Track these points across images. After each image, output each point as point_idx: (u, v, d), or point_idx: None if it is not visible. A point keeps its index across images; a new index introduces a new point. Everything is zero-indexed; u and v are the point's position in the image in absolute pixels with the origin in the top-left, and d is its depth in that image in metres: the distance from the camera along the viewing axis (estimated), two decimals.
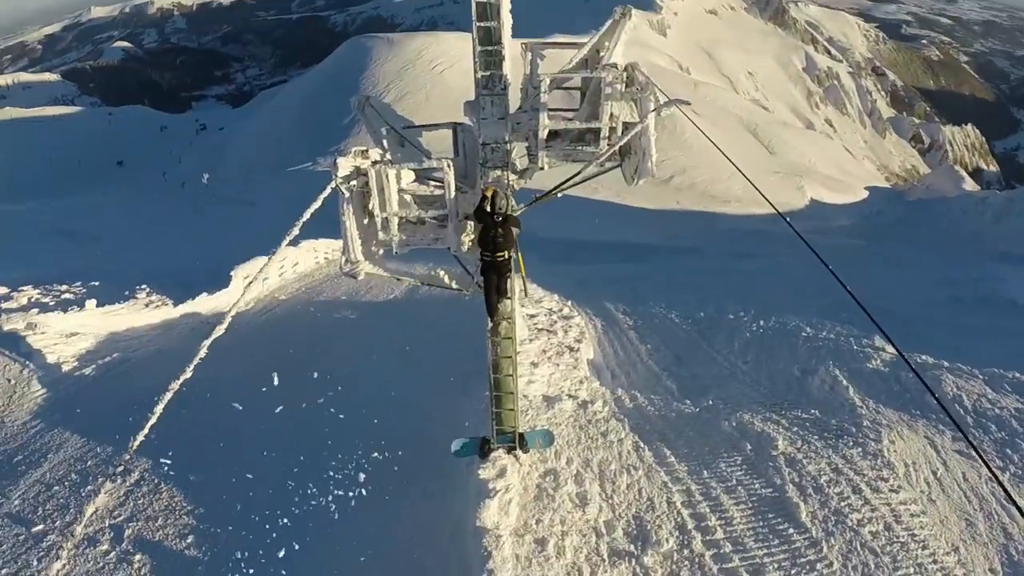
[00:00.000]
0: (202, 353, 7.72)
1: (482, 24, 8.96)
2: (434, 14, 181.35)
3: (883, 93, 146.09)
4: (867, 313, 5.90)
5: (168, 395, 7.44)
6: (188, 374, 7.60)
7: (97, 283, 20.21)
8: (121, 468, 11.49)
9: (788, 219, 7.57)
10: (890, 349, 16.56)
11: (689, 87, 75.57)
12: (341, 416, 12.89)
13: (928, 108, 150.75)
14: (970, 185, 70.90)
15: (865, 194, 54.40)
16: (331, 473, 11.65)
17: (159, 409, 7.39)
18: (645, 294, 20.91)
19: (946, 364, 15.53)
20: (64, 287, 19.70)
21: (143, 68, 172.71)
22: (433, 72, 64.11)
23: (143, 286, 19.88)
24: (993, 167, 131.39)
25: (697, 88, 77.45)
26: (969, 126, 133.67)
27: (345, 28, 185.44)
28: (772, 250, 28.27)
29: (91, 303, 18.09)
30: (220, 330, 7.90)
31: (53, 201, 42.56)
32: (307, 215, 8.18)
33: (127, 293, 19.37)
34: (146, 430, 7.36)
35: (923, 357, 15.95)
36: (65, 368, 16.06)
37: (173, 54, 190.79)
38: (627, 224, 35.22)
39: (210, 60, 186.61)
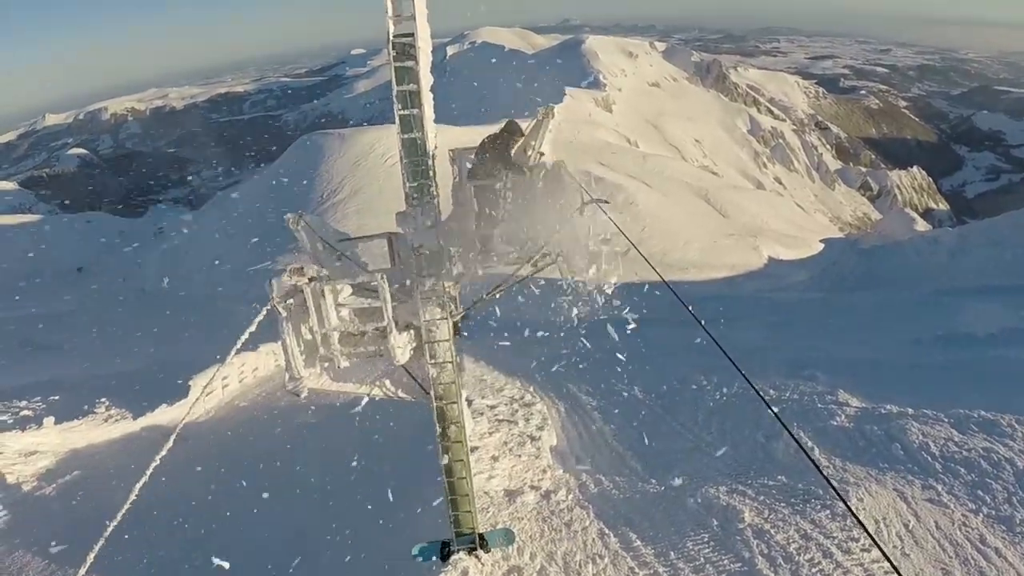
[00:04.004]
0: (147, 475, 7.38)
1: (407, 136, 8.97)
2: (384, 107, 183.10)
3: (828, 146, 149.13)
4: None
5: (113, 523, 7.09)
6: (133, 495, 7.24)
7: (57, 397, 19.71)
8: None
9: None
10: (854, 403, 16.50)
11: (638, 160, 76.61)
12: (305, 530, 12.61)
13: (873, 156, 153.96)
14: (922, 226, 72.04)
15: (820, 247, 54.97)
16: None
17: (108, 531, 7.02)
18: (607, 372, 20.72)
19: (911, 411, 15.42)
20: (23, 403, 19.17)
21: (99, 174, 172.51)
22: (385, 165, 64.39)
23: (103, 399, 19.40)
24: (943, 206, 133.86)
25: (646, 160, 78.54)
26: (915, 168, 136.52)
27: (297, 126, 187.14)
28: (731, 313, 28.27)
29: (49, 420, 17.64)
30: (164, 450, 7.57)
31: (12, 311, 41.80)
32: (243, 338, 8.04)
33: (86, 408, 18.89)
34: (91, 558, 6.98)
35: (887, 407, 15.86)
36: (25, 488, 15.60)
37: (128, 159, 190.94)
38: (584, 302, 35.19)
39: (165, 163, 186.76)
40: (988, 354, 20.67)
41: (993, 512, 11.85)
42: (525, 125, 11.44)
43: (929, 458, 13.53)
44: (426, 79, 8.79)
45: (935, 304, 28.74)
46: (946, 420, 14.80)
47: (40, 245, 56.94)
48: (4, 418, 18.01)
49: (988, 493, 12.32)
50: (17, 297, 43.33)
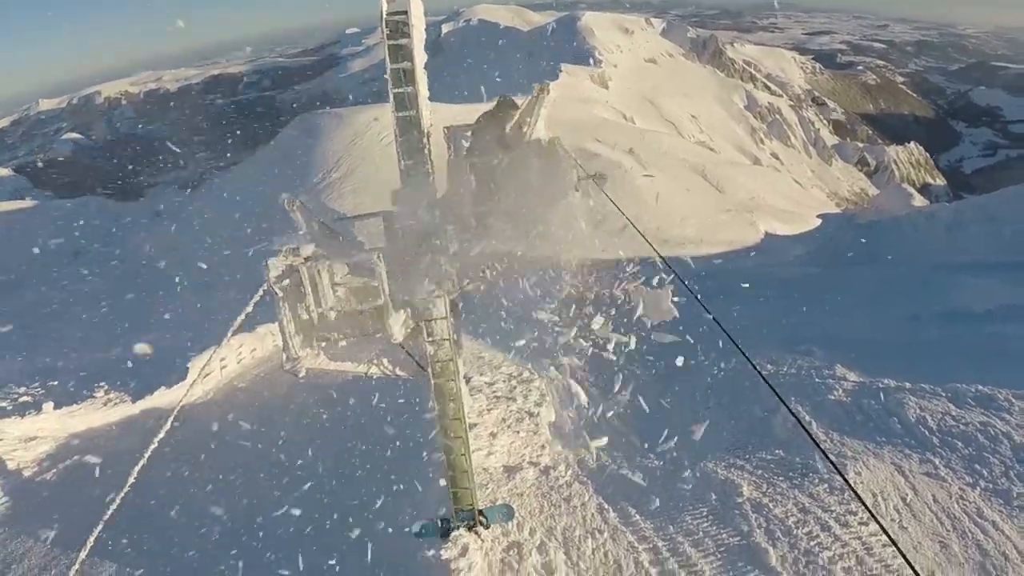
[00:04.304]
0: (145, 458, 7.44)
1: (401, 114, 8.97)
2: (379, 87, 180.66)
3: (825, 122, 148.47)
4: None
5: (112, 507, 7.15)
6: (132, 479, 7.30)
7: (56, 382, 19.64)
8: None
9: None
10: (851, 377, 16.54)
11: (634, 136, 76.33)
12: (310, 514, 12.61)
13: (870, 131, 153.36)
14: (919, 201, 71.92)
15: (818, 222, 54.79)
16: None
17: (107, 515, 7.06)
18: (606, 349, 20.67)
19: (908, 386, 15.48)
20: (22, 389, 19.09)
21: (94, 158, 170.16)
22: (382, 144, 63.90)
23: (101, 383, 19.32)
24: (940, 181, 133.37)
25: (643, 136, 78.27)
26: (912, 144, 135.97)
27: (292, 106, 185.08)
28: (730, 289, 28.29)
29: (48, 405, 17.53)
30: (162, 433, 7.65)
31: (9, 298, 41.74)
32: (239, 319, 8.11)
33: (85, 392, 18.81)
34: (89, 545, 7.03)
35: (885, 381, 15.90)
36: (26, 474, 15.54)
37: (123, 142, 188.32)
38: (584, 279, 35.16)
39: (161, 146, 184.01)
40: (985, 330, 20.66)
41: (990, 486, 11.94)
42: (521, 102, 11.44)
43: (927, 432, 13.60)
44: (420, 57, 8.79)
45: (932, 280, 28.66)
46: (943, 395, 14.86)
47: (36, 231, 56.82)
48: (3, 404, 17.96)
49: (985, 467, 12.39)
50: (13, 282, 43.26)
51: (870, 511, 5.50)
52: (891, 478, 12.23)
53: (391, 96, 8.88)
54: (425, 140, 9.31)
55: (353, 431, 15.59)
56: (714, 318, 6.81)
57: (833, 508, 11.38)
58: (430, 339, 9.63)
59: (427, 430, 12.15)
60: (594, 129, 72.79)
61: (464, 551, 10.36)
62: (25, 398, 18.51)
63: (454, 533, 10.65)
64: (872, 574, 9.98)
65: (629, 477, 13.35)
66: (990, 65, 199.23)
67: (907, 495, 11.78)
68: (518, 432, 15.02)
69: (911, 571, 9.78)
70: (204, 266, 37.27)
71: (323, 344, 9.85)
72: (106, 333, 30.05)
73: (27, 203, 73.33)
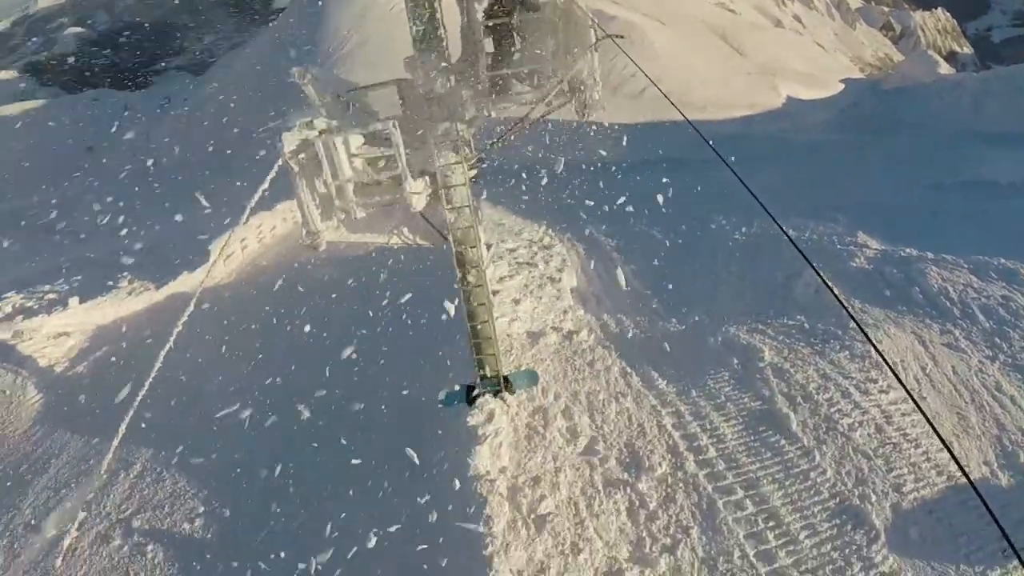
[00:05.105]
0: (171, 343, 7.59)
1: None
2: None
3: None
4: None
5: (141, 393, 7.32)
6: (158, 364, 7.46)
7: (79, 277, 19.70)
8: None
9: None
10: (873, 245, 16.52)
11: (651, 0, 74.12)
12: (329, 382, 12.75)
13: None
14: (945, 69, 69.93)
15: (841, 87, 53.49)
16: (318, 445, 11.56)
17: (136, 402, 7.23)
18: (627, 213, 20.61)
19: (930, 256, 15.49)
20: (47, 287, 19.11)
21: (99, 51, 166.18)
22: (392, 13, 62.25)
23: (124, 274, 19.38)
24: (967, 49, 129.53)
25: None
26: (939, 10, 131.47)
27: None
28: (750, 153, 27.93)
29: (74, 300, 17.61)
30: (185, 317, 7.79)
31: (26, 198, 41.79)
32: (256, 197, 8.11)
33: (109, 284, 18.89)
34: (121, 432, 7.22)
35: (907, 250, 15.91)
36: (58, 370, 15.71)
37: (127, 31, 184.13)
38: (602, 143, 34.73)
39: (166, 32, 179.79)
40: (1010, 203, 20.45)
41: (1010, 360, 12.02)
42: None
43: (948, 303, 13.65)
44: None
45: (957, 150, 28.22)
46: (965, 266, 14.86)
47: (46, 129, 56.20)
48: (30, 304, 18.01)
49: (1005, 341, 12.47)
50: (29, 182, 43.08)
51: (897, 377, 5.53)
52: (911, 347, 12.33)
53: None
54: (436, 3, 9.07)
55: (376, 303, 15.54)
56: (740, 179, 6.72)
57: (854, 375, 11.49)
58: (449, 206, 9.56)
59: (451, 299, 12.18)
60: None
61: (491, 417, 10.54)
62: (51, 295, 18.54)
63: (480, 400, 10.81)
64: (891, 442, 10.16)
65: (651, 342, 13.51)
66: None
67: (927, 365, 11.89)
68: (540, 298, 15.07)
69: (932, 439, 10.04)
70: (221, 148, 37.07)
71: (342, 217, 9.82)
72: (126, 223, 30.07)
73: (36, 102, 72.22)
